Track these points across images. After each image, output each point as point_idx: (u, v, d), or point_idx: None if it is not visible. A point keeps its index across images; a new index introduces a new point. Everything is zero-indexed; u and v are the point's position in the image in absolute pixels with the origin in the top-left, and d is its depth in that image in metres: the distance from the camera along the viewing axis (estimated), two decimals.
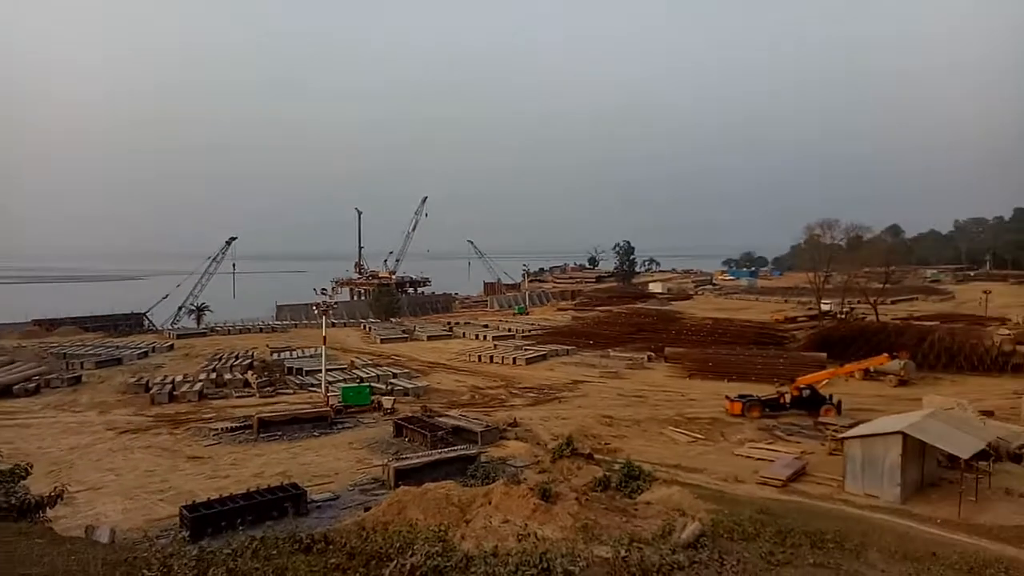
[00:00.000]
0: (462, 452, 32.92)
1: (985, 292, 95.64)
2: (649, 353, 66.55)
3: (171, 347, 73.86)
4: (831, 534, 17.06)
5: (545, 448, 35.24)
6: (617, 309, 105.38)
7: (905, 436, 27.22)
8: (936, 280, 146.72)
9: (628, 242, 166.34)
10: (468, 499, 23.28)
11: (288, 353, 69.32)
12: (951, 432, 28.77)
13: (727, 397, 45.01)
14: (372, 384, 51.17)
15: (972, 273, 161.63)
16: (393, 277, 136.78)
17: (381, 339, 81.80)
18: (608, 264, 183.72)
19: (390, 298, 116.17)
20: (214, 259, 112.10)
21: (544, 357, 67.29)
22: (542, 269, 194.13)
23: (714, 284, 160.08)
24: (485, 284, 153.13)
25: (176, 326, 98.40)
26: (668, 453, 35.17)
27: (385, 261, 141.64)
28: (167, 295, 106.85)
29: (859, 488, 27.96)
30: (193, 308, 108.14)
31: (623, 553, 12.92)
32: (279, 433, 39.07)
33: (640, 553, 12.82)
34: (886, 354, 51.53)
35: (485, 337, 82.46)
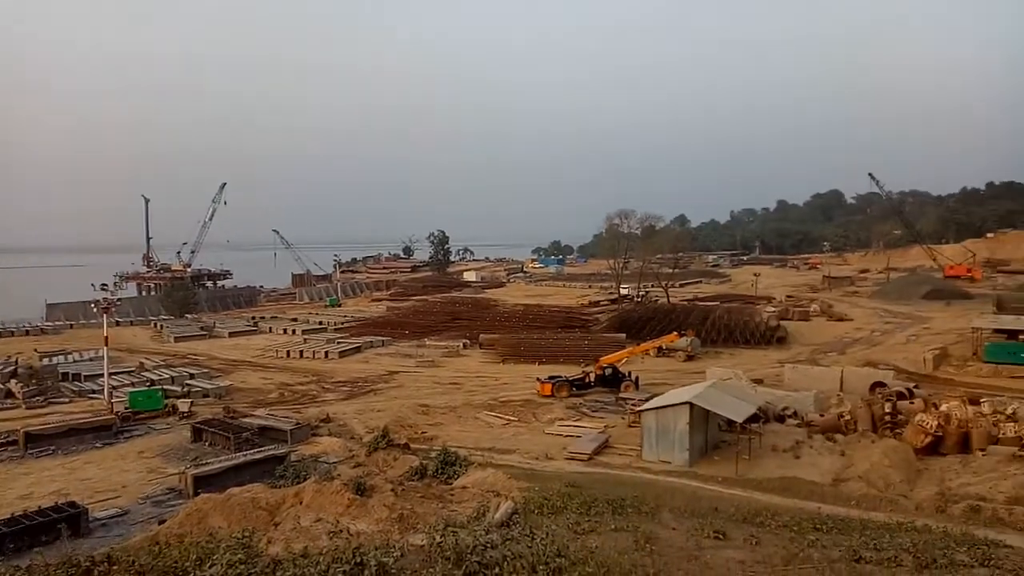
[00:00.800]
0: (270, 452, 31.21)
1: (755, 274, 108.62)
2: (464, 340, 67.52)
3: None
4: (630, 500, 18.36)
5: (360, 442, 34.48)
6: (433, 298, 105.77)
7: (691, 405, 30.09)
8: (716, 264, 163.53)
9: (443, 232, 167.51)
10: (277, 501, 22.07)
11: (62, 357, 61.50)
12: (729, 400, 32.31)
13: (538, 379, 46.91)
14: (165, 387, 46.89)
15: (745, 258, 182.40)
16: (188, 270, 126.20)
17: (175, 337, 75.22)
18: (423, 254, 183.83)
19: (185, 292, 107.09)
20: None
21: (358, 349, 65.79)
22: (355, 259, 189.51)
23: (525, 272, 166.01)
24: (293, 276, 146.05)
25: None
26: (483, 437, 35.95)
27: (179, 253, 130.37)
28: None
29: (654, 455, 30.48)
30: None
31: (438, 539, 12.88)
32: (51, 447, 34.49)
33: (455, 537, 12.85)
34: (675, 332, 56.79)
35: (294, 331, 78.86)
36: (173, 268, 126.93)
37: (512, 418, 39.84)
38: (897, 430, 32.88)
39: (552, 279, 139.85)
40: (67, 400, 46.64)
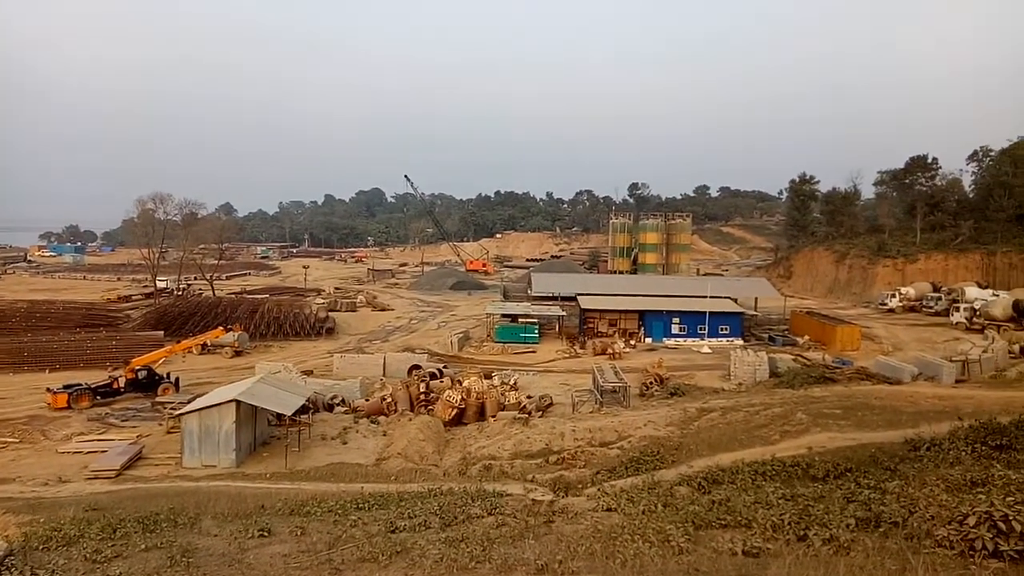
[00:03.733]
0: None
1: (304, 267, 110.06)
2: None
3: None
4: (164, 513, 16.60)
5: None
6: None
7: (238, 403, 28.81)
8: (266, 256, 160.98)
9: None
10: None
11: None
12: (278, 393, 31.91)
13: (49, 389, 39.26)
14: None
15: (294, 250, 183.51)
16: None
17: None
18: None
19: None
20: None
21: None
22: None
23: (30, 261, 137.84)
24: None
25: None
26: None
27: None
28: None
29: (197, 461, 28.30)
30: None
31: None
32: None
33: None
34: (221, 327, 53.82)
35: None
36: None
37: (10, 439, 32.52)
38: (430, 407, 36.94)
39: (69, 270, 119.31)
40: None
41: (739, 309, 62.33)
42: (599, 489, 15.74)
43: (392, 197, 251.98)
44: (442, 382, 41.43)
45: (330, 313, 68.83)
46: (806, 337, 56.73)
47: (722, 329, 59.02)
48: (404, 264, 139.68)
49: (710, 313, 58.24)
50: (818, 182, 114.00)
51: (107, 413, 37.72)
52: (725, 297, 63.49)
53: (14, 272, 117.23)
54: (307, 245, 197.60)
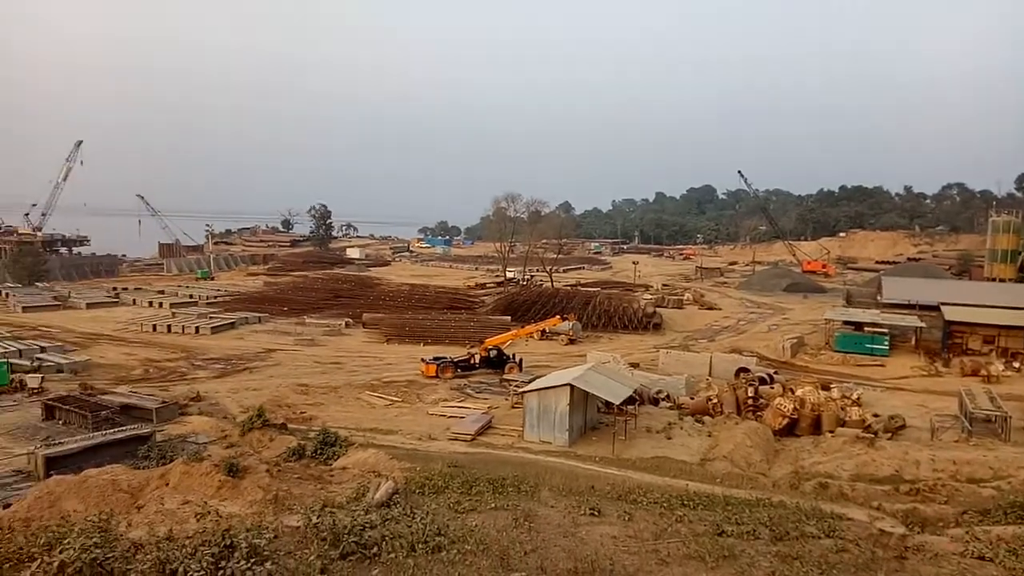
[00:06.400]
0: (133, 432, 29.17)
1: (634, 263, 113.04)
2: (347, 319, 65.96)
3: None
4: (511, 479, 18.65)
5: (234, 421, 32.93)
6: (313, 274, 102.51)
7: (572, 387, 30.95)
8: (598, 252, 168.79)
9: (324, 205, 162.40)
10: (140, 483, 20.71)
11: None
12: (608, 382, 33.49)
13: (422, 360, 46.66)
14: (11, 360, 42.73)
15: (625, 246, 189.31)
16: (38, 234, 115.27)
17: (23, 307, 68.68)
18: (304, 228, 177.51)
19: (35, 258, 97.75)
20: None
21: (232, 325, 62.72)
22: (229, 231, 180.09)
23: (411, 251, 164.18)
24: (160, 245, 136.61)
25: None
26: (365, 417, 35.35)
27: (27, 215, 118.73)
28: None
29: (536, 436, 31.14)
30: None
31: (314, 519, 12.54)
32: None
33: (332, 517, 12.56)
34: (558, 316, 58.15)
35: (161, 304, 74.04)
36: (20, 231, 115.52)
37: (395, 399, 39.42)
38: (758, 413, 35.35)
39: (439, 260, 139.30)
40: None
41: None
42: (968, 532, 13.53)
43: (723, 194, 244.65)
44: (772, 388, 39.29)
45: (657, 309, 69.68)
46: None
47: None
48: (733, 263, 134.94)
49: None
50: None
51: (465, 384, 43.45)
52: None
53: (400, 260, 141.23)
54: (636, 242, 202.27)
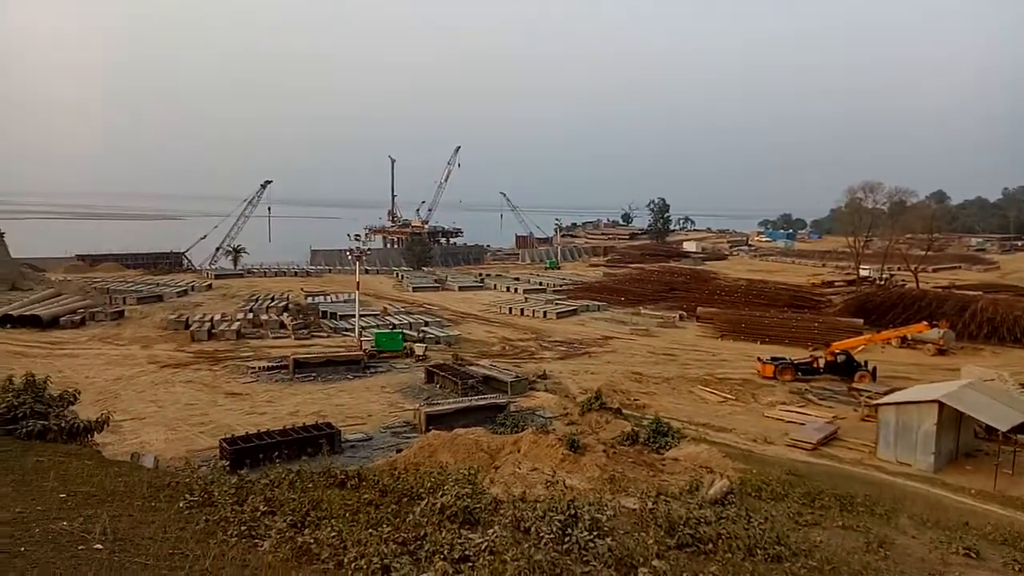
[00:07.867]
0: (492, 401, 33.33)
1: None
2: (681, 312, 66.09)
3: (209, 287, 75.54)
4: (861, 498, 16.97)
5: (574, 401, 35.46)
6: (650, 267, 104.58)
7: (941, 405, 26.80)
8: (981, 249, 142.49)
9: (663, 199, 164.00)
10: (497, 446, 23.64)
11: (322, 297, 70.30)
12: (989, 403, 28.23)
13: (759, 359, 44.66)
14: (404, 331, 51.77)
15: (1020, 243, 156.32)
16: (425, 227, 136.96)
17: (413, 287, 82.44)
18: (642, 221, 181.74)
19: (423, 247, 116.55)
20: (250, 202, 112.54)
21: (575, 312, 67.27)
22: (575, 224, 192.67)
23: (750, 245, 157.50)
24: (517, 237, 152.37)
25: (214, 266, 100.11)
26: (697, 411, 35.19)
27: (418, 210, 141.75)
28: (205, 235, 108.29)
29: (891, 455, 27.72)
30: (230, 249, 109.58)
31: (650, 505, 12.97)
32: (314, 374, 39.93)
33: (667, 506, 12.86)
34: (925, 322, 50.37)
35: (516, 290, 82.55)
36: (413, 224, 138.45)
37: (729, 396, 38.43)
38: None
39: (780, 255, 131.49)
40: (325, 335, 53.44)
41: None
42: None
43: None
44: None
45: None
46: None
47: None
48: None
49: None
50: None
51: (806, 389, 40.44)
52: None
53: (737, 254, 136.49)
54: None
